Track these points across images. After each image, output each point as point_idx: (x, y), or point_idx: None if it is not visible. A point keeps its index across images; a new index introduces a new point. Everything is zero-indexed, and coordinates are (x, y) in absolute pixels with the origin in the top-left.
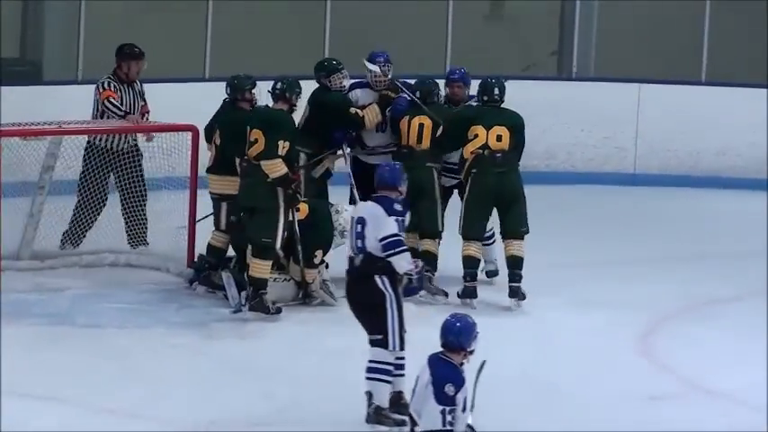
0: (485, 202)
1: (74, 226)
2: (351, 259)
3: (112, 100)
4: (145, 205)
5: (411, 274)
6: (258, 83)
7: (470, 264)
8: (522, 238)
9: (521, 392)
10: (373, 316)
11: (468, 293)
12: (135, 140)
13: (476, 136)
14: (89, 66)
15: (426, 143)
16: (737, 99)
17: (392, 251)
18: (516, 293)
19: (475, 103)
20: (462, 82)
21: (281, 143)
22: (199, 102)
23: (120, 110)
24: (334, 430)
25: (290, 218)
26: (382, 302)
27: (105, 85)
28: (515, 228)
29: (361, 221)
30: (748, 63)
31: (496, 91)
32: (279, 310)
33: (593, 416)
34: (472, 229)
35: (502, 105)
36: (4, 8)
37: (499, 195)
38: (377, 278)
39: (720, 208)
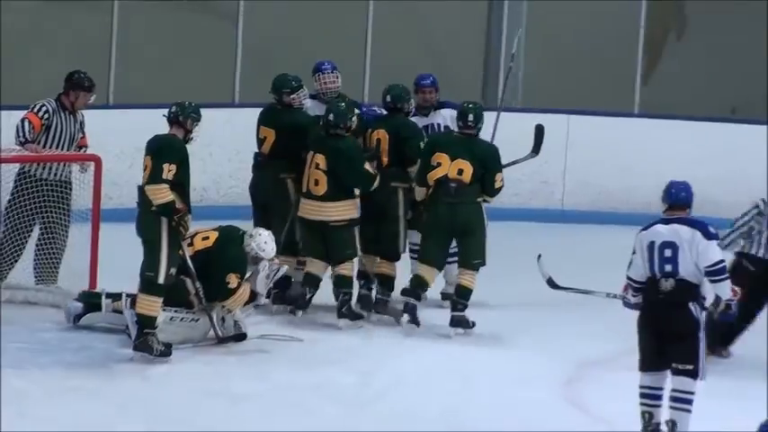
0: (439, 231)
1: (0, 259)
2: (653, 283)
3: (27, 124)
4: (66, 241)
5: (732, 300)
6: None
7: (416, 283)
8: (475, 270)
9: None
10: (683, 345)
11: (407, 311)
12: (69, 172)
13: (439, 164)
14: None
15: (384, 158)
16: (673, 131)
17: (721, 277)
18: (459, 323)
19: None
20: (433, 87)
21: (165, 166)
22: (103, 131)
23: (24, 137)
24: None
25: (181, 252)
26: (695, 331)
27: (36, 109)
28: (467, 259)
29: (671, 246)
30: (684, 93)
31: (471, 117)
32: (166, 353)
33: None
34: (426, 254)
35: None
36: None
37: (451, 225)
38: (691, 306)
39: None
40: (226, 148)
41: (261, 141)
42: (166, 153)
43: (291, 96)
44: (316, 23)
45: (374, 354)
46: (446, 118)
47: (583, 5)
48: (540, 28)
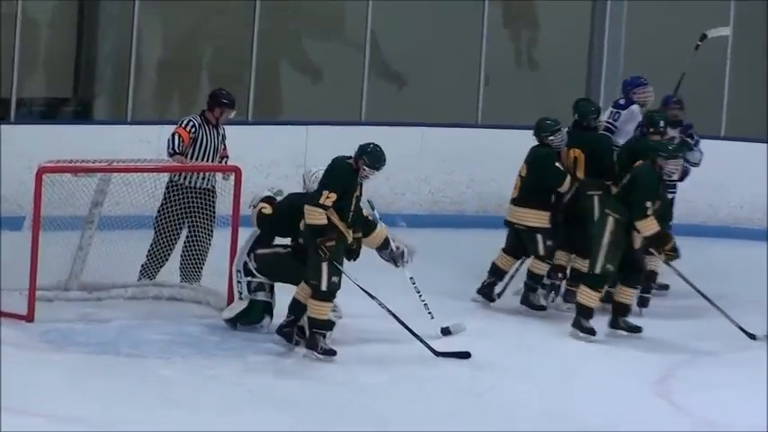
0: None
1: (151, 260)
2: None
3: (177, 138)
4: (209, 245)
5: None
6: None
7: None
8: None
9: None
10: None
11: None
12: (214, 181)
13: None
14: (138, 107)
15: (579, 174)
16: (756, 154)
17: None
18: (644, 302)
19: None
20: (680, 104)
21: (325, 193)
22: (242, 144)
23: (174, 149)
24: None
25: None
26: None
27: (184, 123)
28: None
29: None
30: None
31: (662, 124)
32: (330, 353)
33: None
34: None
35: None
36: (59, 49)
37: None
38: None
39: (733, 257)
40: None
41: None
42: (331, 180)
43: (550, 138)
44: (429, 47)
45: (487, 350)
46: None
47: (681, 5)
48: (639, 29)
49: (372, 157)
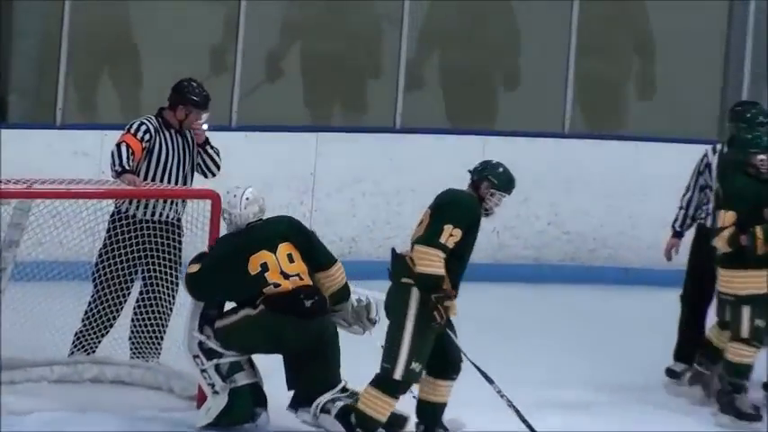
0: None
1: (88, 325)
2: None
3: (124, 150)
4: (173, 303)
5: None
6: None
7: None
8: None
9: None
10: None
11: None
12: (180, 210)
13: None
14: (71, 105)
15: None
16: None
17: None
18: None
19: None
20: None
21: (447, 228)
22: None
23: (122, 165)
24: None
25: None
26: None
27: (133, 128)
28: None
29: None
30: None
31: None
32: None
33: None
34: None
35: None
36: None
37: None
38: None
39: None
40: (381, 186)
41: None
42: (456, 211)
43: (760, 158)
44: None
45: None
46: None
47: None
48: None
49: (501, 176)
